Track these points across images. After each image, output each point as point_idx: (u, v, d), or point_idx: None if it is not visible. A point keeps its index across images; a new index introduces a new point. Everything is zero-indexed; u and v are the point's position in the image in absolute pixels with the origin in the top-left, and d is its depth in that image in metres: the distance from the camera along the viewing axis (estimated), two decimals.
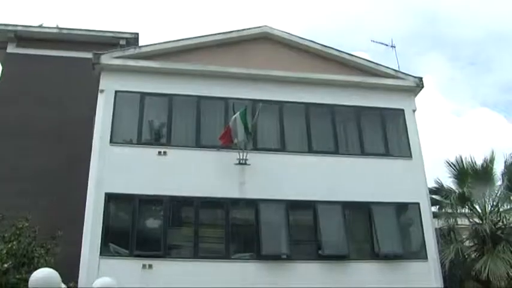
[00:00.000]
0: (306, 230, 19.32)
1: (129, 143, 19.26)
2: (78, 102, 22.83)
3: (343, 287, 17.94)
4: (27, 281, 10.32)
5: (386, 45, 24.49)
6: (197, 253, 17.90)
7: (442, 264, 20.16)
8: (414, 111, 21.68)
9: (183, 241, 18.53)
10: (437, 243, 20.43)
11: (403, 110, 21.53)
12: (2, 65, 25.00)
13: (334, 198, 19.24)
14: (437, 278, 19.14)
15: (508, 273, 19.84)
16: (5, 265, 17.71)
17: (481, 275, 20.20)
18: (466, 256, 22.52)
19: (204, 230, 18.51)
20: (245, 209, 18.99)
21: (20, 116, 22.93)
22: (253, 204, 18.72)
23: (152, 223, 18.88)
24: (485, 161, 23.53)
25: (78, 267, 16.87)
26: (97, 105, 19.37)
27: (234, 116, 18.62)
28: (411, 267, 19.12)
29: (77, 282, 16.23)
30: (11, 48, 24.71)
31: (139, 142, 19.19)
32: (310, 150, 20.02)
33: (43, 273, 10.01)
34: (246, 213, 19.04)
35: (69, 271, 13.91)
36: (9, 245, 18.23)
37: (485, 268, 20.20)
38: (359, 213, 19.76)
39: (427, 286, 18.84)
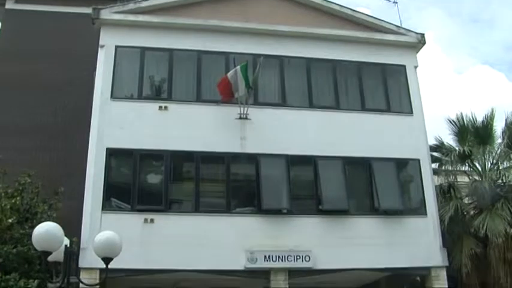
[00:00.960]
0: (306, 185, 19.37)
1: (130, 98, 19.16)
2: (79, 58, 22.68)
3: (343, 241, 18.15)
4: (30, 235, 10.35)
5: (389, 0, 24.14)
6: (198, 207, 17.97)
7: (441, 221, 20.23)
8: (416, 67, 21.52)
9: (184, 196, 18.64)
10: (437, 199, 20.48)
11: (404, 66, 21.34)
12: (1, 21, 24.75)
13: (335, 153, 19.23)
14: (436, 233, 19.23)
15: (506, 230, 19.96)
16: (9, 220, 17.82)
17: (479, 232, 20.31)
18: (465, 213, 22.64)
19: (205, 185, 18.55)
20: (246, 164, 19.01)
21: (20, 72, 22.78)
22: (253, 159, 18.71)
23: (153, 178, 18.91)
24: (485, 118, 23.48)
25: (81, 222, 16.96)
26: (97, 61, 19.20)
27: (234, 69, 18.44)
28: (410, 223, 19.22)
29: (79, 237, 16.28)
30: (10, 4, 24.47)
31: (140, 97, 19.10)
32: (311, 105, 19.93)
33: (46, 227, 10.05)
34: (246, 168, 19.07)
35: (72, 226, 13.97)
36: (13, 201, 18.30)
37: (483, 225, 20.29)
38: (359, 168, 19.75)
39: (426, 241, 18.95)
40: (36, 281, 16.97)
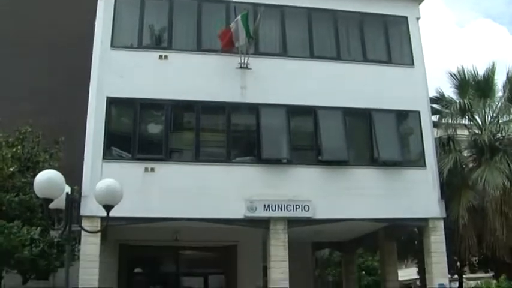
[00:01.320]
0: (306, 135, 19.38)
1: (130, 47, 18.94)
2: (77, 14, 22.30)
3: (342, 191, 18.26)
4: (32, 184, 10.39)
5: None
6: (198, 157, 18.01)
7: (440, 173, 20.30)
8: (418, 19, 21.21)
9: (185, 145, 18.66)
10: (436, 152, 20.51)
11: (406, 18, 21.02)
12: None
13: (335, 104, 19.14)
14: (434, 185, 19.30)
15: (503, 183, 20.03)
16: (11, 169, 17.93)
17: (478, 184, 20.45)
18: (464, 166, 22.73)
19: (205, 134, 18.57)
20: (246, 114, 18.98)
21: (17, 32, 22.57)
22: (254, 108, 18.65)
23: (154, 127, 18.91)
24: (487, 71, 23.36)
25: (82, 171, 16.95)
26: (97, 9, 18.91)
27: (235, 19, 18.21)
28: (410, 175, 19.26)
29: (80, 185, 16.32)
30: None
31: (140, 46, 18.90)
32: (312, 56, 19.72)
33: (47, 175, 10.06)
34: (246, 117, 19.04)
35: (73, 176, 13.99)
36: (14, 150, 18.35)
37: (481, 178, 20.37)
38: (359, 119, 19.73)
39: (424, 193, 19.02)
40: (38, 229, 17.17)
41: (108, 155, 17.49)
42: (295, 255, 19.42)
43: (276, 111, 18.71)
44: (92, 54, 18.35)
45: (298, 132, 19.20)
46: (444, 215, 19.19)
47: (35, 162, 18.96)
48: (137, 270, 22.18)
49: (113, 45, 18.51)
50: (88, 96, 17.89)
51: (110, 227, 16.95)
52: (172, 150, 18.34)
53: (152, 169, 17.39)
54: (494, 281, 20.22)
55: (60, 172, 10.13)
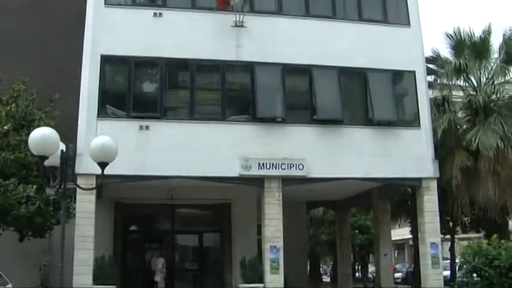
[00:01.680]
0: (301, 95, 19.35)
1: (124, 4, 18.77)
2: None
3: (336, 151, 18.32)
4: (27, 142, 10.36)
5: None
6: (193, 115, 17.99)
7: (434, 133, 20.37)
8: None
9: (179, 103, 18.64)
10: (431, 112, 20.50)
11: None
12: None
13: (331, 63, 19.02)
14: (428, 145, 19.37)
15: (497, 144, 20.13)
16: (5, 127, 17.85)
17: (471, 145, 20.50)
18: (458, 126, 22.79)
19: (200, 93, 18.48)
20: (241, 72, 18.90)
21: None
22: (249, 67, 18.56)
23: (148, 86, 18.87)
24: (483, 33, 23.21)
25: (77, 130, 16.91)
26: None
27: None
28: (404, 135, 19.34)
29: (75, 144, 16.28)
30: None
31: (134, 3, 18.74)
32: (308, 14, 19.52)
33: (42, 132, 10.04)
34: (241, 76, 18.97)
35: (68, 134, 13.96)
36: (8, 108, 18.25)
37: (475, 138, 20.45)
38: (354, 79, 19.69)
39: (418, 153, 19.10)
40: (34, 186, 17.21)
41: (102, 113, 17.46)
42: (290, 213, 19.61)
43: (271, 70, 18.62)
44: (85, 12, 18.14)
45: (293, 91, 19.12)
46: (437, 175, 19.32)
47: (29, 121, 18.88)
48: (132, 228, 22.36)
49: (107, 3, 18.30)
50: (82, 44, 17.76)
51: (105, 185, 16.98)
52: (167, 109, 18.33)
53: (147, 127, 17.39)
54: (486, 241, 20.48)
55: (55, 130, 10.12)
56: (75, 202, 16.81)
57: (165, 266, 18.71)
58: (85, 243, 16.15)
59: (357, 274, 36.50)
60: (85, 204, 16.43)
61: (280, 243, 17.62)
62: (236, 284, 19.06)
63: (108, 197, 19.42)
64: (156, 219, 22.90)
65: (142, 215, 22.13)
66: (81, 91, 17.43)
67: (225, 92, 18.49)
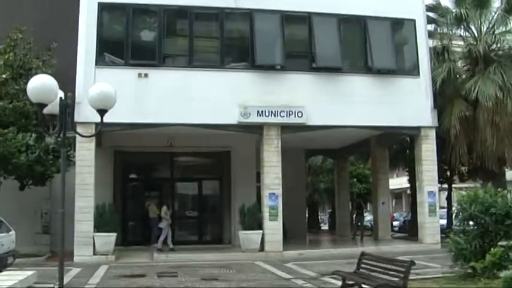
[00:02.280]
0: (300, 42, 19.24)
1: None
2: None
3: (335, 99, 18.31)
4: (25, 91, 10.29)
5: None
6: (192, 62, 17.93)
7: (433, 82, 20.34)
8: None
9: (178, 51, 18.60)
10: (430, 61, 20.42)
11: None
12: None
13: (330, 10, 18.85)
14: (427, 94, 19.40)
15: (496, 94, 20.06)
16: (3, 76, 17.73)
17: (470, 95, 20.44)
18: (457, 76, 22.66)
19: (198, 40, 18.42)
20: (240, 20, 18.74)
21: None
22: (248, 15, 18.37)
23: (147, 33, 18.72)
24: None
25: (75, 79, 16.82)
26: None
27: None
28: (403, 83, 19.34)
29: (74, 92, 16.20)
30: None
31: None
32: None
33: (40, 79, 9.91)
34: (240, 24, 18.84)
35: (66, 83, 13.84)
36: (6, 56, 18.10)
37: (475, 88, 20.37)
38: (354, 27, 19.55)
39: (417, 102, 19.12)
40: (33, 135, 17.24)
41: (100, 61, 17.39)
42: (289, 161, 19.76)
43: (270, 18, 18.44)
44: None
45: (292, 39, 19.00)
46: (436, 124, 19.42)
47: (27, 69, 18.74)
48: (132, 176, 22.48)
49: None
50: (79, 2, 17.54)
51: (105, 134, 17.09)
52: (166, 56, 18.24)
53: (145, 75, 17.36)
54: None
55: (54, 77, 10.04)
56: (75, 150, 16.89)
57: (168, 214, 18.92)
58: (85, 191, 16.35)
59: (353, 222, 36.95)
60: (85, 152, 16.55)
61: (279, 191, 17.81)
62: (235, 231, 19.29)
63: (108, 146, 19.59)
64: (155, 167, 23.03)
65: (141, 163, 22.23)
66: (79, 40, 17.33)
67: (224, 39, 18.36)
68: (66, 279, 10.84)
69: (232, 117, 17.58)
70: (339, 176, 26.84)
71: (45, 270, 13.01)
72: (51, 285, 10.07)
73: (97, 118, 10.30)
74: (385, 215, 23.09)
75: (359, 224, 23.41)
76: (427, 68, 19.56)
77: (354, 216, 23.91)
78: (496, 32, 22.50)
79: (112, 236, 16.67)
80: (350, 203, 24.71)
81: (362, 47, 19.18)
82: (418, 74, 19.41)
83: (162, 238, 18.54)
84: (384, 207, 22.95)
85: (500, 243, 11.34)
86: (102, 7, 17.62)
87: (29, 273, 9.73)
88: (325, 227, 39.59)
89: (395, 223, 31.18)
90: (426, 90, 19.35)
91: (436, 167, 19.20)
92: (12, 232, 13.12)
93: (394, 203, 49.45)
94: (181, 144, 20.10)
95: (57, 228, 15.45)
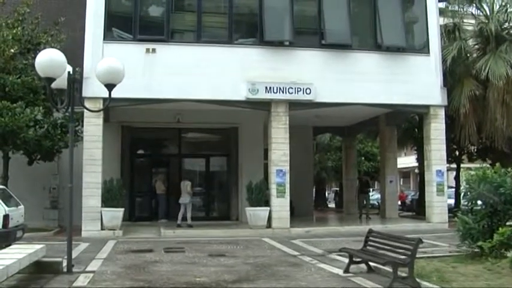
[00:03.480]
0: (309, 18, 19.12)
1: None
2: None
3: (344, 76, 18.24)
4: (34, 66, 10.32)
5: None
6: (200, 38, 17.89)
7: (444, 61, 20.22)
8: None
9: (186, 26, 18.55)
10: (441, 39, 20.24)
11: None
12: None
13: None
14: (437, 73, 19.24)
15: (507, 73, 19.87)
16: (12, 50, 17.72)
17: (481, 74, 20.26)
18: (468, 55, 22.48)
19: (206, 16, 18.29)
20: None
21: None
22: None
23: (155, 9, 18.67)
24: None
25: (83, 54, 16.78)
26: None
27: None
28: (413, 61, 19.19)
29: (82, 67, 16.19)
30: None
31: None
32: None
33: (48, 53, 10.00)
34: None
35: (75, 59, 13.88)
36: (14, 31, 18.06)
37: (485, 67, 20.20)
38: (364, 3, 19.41)
39: (426, 80, 18.97)
40: (41, 109, 17.28)
41: (109, 36, 17.34)
42: (296, 139, 19.79)
43: None
44: None
45: (301, 15, 18.86)
46: (445, 103, 19.29)
47: (35, 44, 18.73)
48: (140, 151, 22.57)
49: None
50: None
51: (112, 109, 17.11)
52: (174, 31, 18.20)
53: (153, 50, 17.28)
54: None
55: (62, 53, 10.07)
56: (82, 126, 16.91)
57: (191, 188, 18.96)
58: (93, 166, 16.39)
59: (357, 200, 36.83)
60: (92, 127, 16.56)
61: (286, 167, 17.84)
62: (243, 208, 19.37)
63: (116, 121, 19.65)
64: (163, 143, 23.16)
65: (149, 138, 22.35)
66: (87, 14, 17.25)
67: (233, 15, 18.24)
68: (74, 254, 10.99)
69: (240, 93, 17.54)
70: (347, 154, 26.82)
71: (54, 244, 13.12)
72: (60, 259, 10.13)
73: (105, 93, 10.44)
74: (392, 194, 23.10)
75: (364, 202, 23.44)
76: (437, 46, 19.37)
77: (358, 194, 23.90)
78: (508, 11, 22.24)
79: (119, 211, 16.75)
80: (358, 181, 24.70)
81: (372, 24, 19.03)
82: (428, 52, 19.22)
83: (181, 214, 18.59)
84: (392, 186, 22.95)
85: (508, 223, 11.32)
86: None
87: (38, 247, 9.79)
88: (332, 204, 39.69)
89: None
90: (436, 68, 19.19)
91: (444, 146, 19.11)
92: (21, 206, 13.23)
93: (401, 182, 49.45)
94: (189, 120, 20.09)
95: (65, 203, 15.70)
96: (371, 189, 27.62)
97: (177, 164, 22.21)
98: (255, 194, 17.74)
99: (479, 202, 11.76)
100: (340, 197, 32.75)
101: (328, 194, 44.92)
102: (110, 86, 10.39)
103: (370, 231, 10.34)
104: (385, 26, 18.81)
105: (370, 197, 25.92)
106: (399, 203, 30.86)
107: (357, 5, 19.24)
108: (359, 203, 23.93)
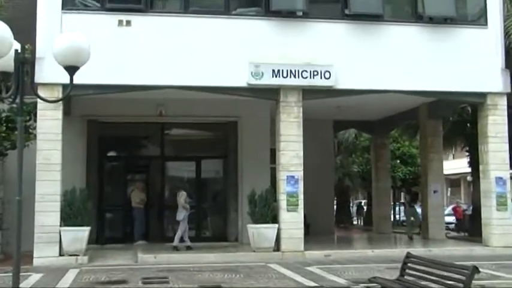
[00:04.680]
0: None
1: None
2: None
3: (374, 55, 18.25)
4: None
5: None
6: (188, 7, 17.83)
7: (506, 35, 20.20)
8: None
9: None
10: (503, 7, 20.16)
11: None
12: None
13: None
14: (497, 50, 19.23)
15: None
16: None
17: None
18: None
19: None
20: None
21: None
22: None
23: None
24: None
25: (35, 27, 16.73)
26: None
27: None
28: (465, 35, 19.17)
29: (34, 44, 16.12)
30: None
31: None
32: None
33: None
34: None
35: (25, 33, 13.81)
36: None
37: None
38: None
39: (483, 60, 18.92)
40: None
41: (69, 4, 17.30)
42: (312, 136, 19.88)
43: None
44: None
45: None
46: (508, 90, 19.21)
47: None
48: (111, 153, 22.57)
49: None
50: None
51: (75, 99, 17.09)
52: None
53: (128, 22, 17.26)
54: None
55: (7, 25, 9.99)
56: (35, 121, 16.87)
57: (187, 201, 18.95)
58: (49, 172, 16.37)
59: (397, 216, 36.91)
60: (49, 122, 16.53)
61: (299, 173, 17.83)
62: (243, 225, 19.39)
63: (79, 114, 19.69)
64: (141, 143, 23.15)
65: (123, 137, 22.37)
66: None
67: None
68: None
69: (240, 78, 17.49)
70: (377, 156, 26.88)
71: None
72: None
73: (65, 78, 10.21)
74: (437, 208, 22.99)
75: (412, 219, 23.26)
76: (498, 15, 19.35)
77: (405, 209, 23.76)
78: None
79: (84, 231, 16.67)
80: (392, 191, 24.55)
81: None
82: (486, 23, 19.21)
83: (179, 233, 18.72)
84: (436, 197, 22.84)
85: None
86: None
87: None
88: (358, 220, 39.80)
89: (451, 218, 30.90)
90: (496, 45, 19.18)
91: (507, 146, 19.06)
92: None
93: (449, 193, 49.51)
94: (174, 113, 20.17)
95: (12, 222, 15.59)
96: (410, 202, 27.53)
97: (159, 169, 22.21)
98: (259, 207, 17.70)
99: None
100: (368, 212, 32.75)
101: (352, 206, 45.04)
102: (71, 69, 10.21)
103: (409, 256, 10.28)
104: None
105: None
106: (454, 219, 30.88)
107: None
108: (407, 220, 23.73)
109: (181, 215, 18.81)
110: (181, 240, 18.71)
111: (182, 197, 19.01)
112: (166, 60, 17.12)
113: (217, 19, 17.83)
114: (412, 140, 33.40)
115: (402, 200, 25.42)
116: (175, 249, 18.24)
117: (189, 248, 18.40)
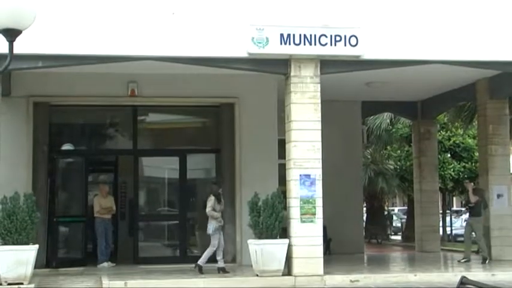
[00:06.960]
0: None
1: None
2: None
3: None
4: None
5: None
6: None
7: None
8: None
9: None
10: None
11: None
12: None
13: None
14: None
15: None
16: None
17: None
18: None
19: None
20: None
21: None
22: None
23: None
24: None
25: None
26: None
27: None
28: None
29: None
30: None
31: None
32: None
33: None
34: None
35: None
36: None
37: None
38: None
39: None
40: None
41: None
42: (333, 122, 19.90)
43: None
44: None
45: None
46: None
47: None
48: (66, 146, 22.45)
49: None
50: None
51: (17, 74, 17.09)
52: None
53: None
54: None
55: None
56: None
57: (218, 208, 18.72)
58: None
59: (448, 229, 36.76)
60: None
61: (317, 172, 17.85)
62: (243, 240, 19.51)
63: (23, 95, 19.67)
64: (107, 132, 23.08)
65: (82, 124, 22.42)
66: None
67: None
68: None
69: (238, 45, 17.43)
70: (420, 148, 26.87)
71: None
72: None
73: (2, 47, 10.30)
74: (502, 217, 22.84)
75: (473, 233, 23.17)
76: None
77: (467, 220, 23.58)
78: None
79: (30, 251, 16.68)
80: (440, 194, 24.49)
81: None
82: None
83: (209, 250, 18.66)
84: (502, 203, 22.72)
85: None
86: None
87: None
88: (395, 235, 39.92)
89: None
90: None
91: None
92: None
93: None
94: (150, 93, 20.20)
95: None
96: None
97: (131, 168, 22.14)
98: (264, 216, 17.69)
99: None
100: (409, 222, 32.78)
101: (387, 214, 45.05)
102: (10, 34, 10.25)
103: (464, 283, 10.23)
104: None
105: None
106: None
107: None
108: (466, 235, 23.53)
109: (211, 227, 18.65)
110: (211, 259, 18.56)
111: (209, 202, 18.84)
112: (139, 23, 17.07)
113: None
114: (467, 127, 33.39)
115: (455, 207, 25.27)
116: (199, 270, 18.23)
117: (222, 271, 18.42)
